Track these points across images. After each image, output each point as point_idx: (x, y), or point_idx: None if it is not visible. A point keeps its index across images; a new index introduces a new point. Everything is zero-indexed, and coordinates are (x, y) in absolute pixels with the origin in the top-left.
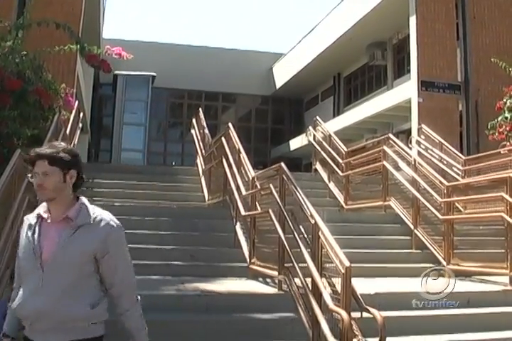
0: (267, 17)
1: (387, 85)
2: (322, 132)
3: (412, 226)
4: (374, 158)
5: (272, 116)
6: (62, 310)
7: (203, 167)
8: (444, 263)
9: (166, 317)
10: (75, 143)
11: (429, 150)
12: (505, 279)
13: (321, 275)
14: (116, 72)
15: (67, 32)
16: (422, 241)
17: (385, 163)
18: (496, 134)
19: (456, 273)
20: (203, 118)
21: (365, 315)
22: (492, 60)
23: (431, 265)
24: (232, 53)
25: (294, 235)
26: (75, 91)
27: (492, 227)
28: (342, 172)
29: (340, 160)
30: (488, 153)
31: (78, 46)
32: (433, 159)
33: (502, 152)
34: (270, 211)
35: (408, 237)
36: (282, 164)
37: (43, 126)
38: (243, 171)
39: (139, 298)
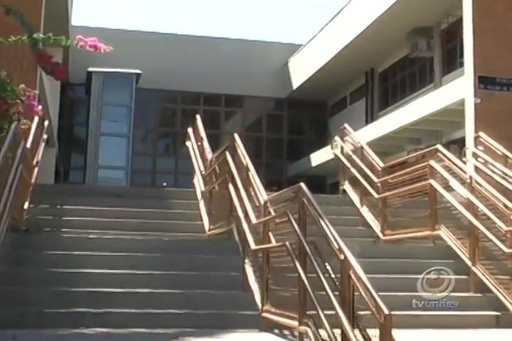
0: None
1: (434, 83)
2: (352, 143)
3: (469, 263)
4: (418, 176)
5: (288, 123)
6: None
7: (202, 188)
8: None
9: None
10: (39, 159)
11: (489, 165)
12: None
13: (353, 325)
14: (91, 69)
15: (18, 18)
16: (483, 281)
17: (432, 181)
18: None
19: None
20: (202, 127)
21: None
22: None
23: (496, 313)
24: (238, 45)
25: (318, 274)
26: (37, 94)
27: None
28: (378, 193)
29: (375, 179)
30: None
31: (29, 38)
32: (495, 176)
33: None
34: (287, 244)
35: (464, 276)
36: (302, 184)
37: None
38: (253, 193)
39: None
